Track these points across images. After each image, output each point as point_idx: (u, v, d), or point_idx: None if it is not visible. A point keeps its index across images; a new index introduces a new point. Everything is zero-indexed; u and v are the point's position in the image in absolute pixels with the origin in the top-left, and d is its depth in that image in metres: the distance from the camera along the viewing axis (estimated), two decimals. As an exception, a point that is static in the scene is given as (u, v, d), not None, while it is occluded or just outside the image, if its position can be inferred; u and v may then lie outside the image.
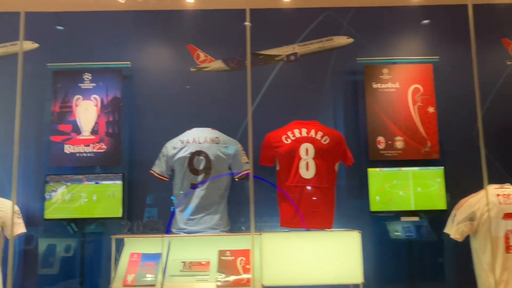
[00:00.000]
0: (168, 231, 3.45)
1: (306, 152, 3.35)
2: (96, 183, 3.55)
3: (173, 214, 3.55)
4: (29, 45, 3.80)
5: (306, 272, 3.16)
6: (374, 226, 3.65)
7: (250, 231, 3.54)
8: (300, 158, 3.34)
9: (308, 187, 3.32)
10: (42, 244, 3.70)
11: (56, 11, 3.94)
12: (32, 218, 3.65)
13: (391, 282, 3.63)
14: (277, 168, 3.46)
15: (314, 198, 3.31)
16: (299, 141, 3.38)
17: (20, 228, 3.38)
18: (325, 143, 3.38)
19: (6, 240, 3.37)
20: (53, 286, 3.66)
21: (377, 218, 3.65)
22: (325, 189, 3.35)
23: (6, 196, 3.47)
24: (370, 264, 3.30)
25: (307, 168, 3.33)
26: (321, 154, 3.35)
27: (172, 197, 3.54)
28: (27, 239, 3.72)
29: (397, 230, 3.68)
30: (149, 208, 3.71)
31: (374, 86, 3.74)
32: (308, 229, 3.34)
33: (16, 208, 3.38)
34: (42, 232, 3.70)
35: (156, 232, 3.37)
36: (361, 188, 3.62)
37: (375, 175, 3.57)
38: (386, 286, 3.61)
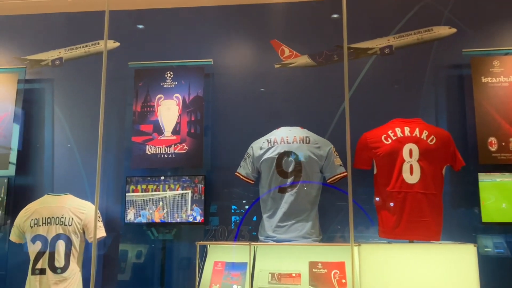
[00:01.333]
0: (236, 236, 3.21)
1: (410, 154, 2.97)
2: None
3: (241, 219, 3.31)
4: (111, 44, 3.72)
5: (411, 291, 2.78)
6: (487, 239, 3.18)
7: (343, 241, 3.22)
8: (403, 161, 2.97)
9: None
10: (122, 249, 3.56)
11: (136, 8, 3.85)
12: (112, 222, 3.53)
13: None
14: (375, 171, 3.10)
15: (419, 206, 2.92)
16: (401, 141, 3.01)
17: (100, 232, 3.26)
18: (431, 143, 2.99)
19: (87, 244, 3.26)
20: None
21: (491, 229, 3.18)
22: (431, 195, 2.94)
23: (87, 198, 3.38)
24: (486, 283, 2.85)
25: (411, 172, 2.95)
26: (427, 156, 2.96)
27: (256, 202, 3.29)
28: (107, 244, 3.60)
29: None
30: (233, 214, 3.47)
31: (484, 80, 3.30)
32: (412, 241, 2.95)
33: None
34: (122, 236, 3.56)
35: (242, 240, 3.12)
36: (470, 195, 3.18)
37: (487, 180, 3.13)
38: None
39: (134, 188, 3.41)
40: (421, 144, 2.98)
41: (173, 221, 3.35)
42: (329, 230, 3.31)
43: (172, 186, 3.37)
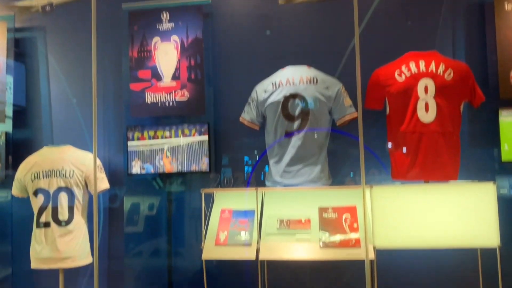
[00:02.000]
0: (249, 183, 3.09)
1: (425, 90, 2.76)
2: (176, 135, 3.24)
3: (253, 166, 3.19)
4: (102, -15, 3.47)
5: (426, 233, 2.65)
6: (507, 179, 3.02)
7: (355, 184, 3.08)
8: (417, 98, 2.76)
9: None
10: (128, 201, 3.49)
11: None
12: (116, 173, 3.44)
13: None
14: (387, 111, 2.91)
15: (435, 146, 2.74)
16: (416, 77, 2.79)
17: (103, 183, 3.17)
18: (448, 78, 2.77)
19: (91, 196, 3.18)
20: (140, 245, 3.45)
21: (511, 169, 3.02)
22: (448, 134, 2.76)
23: (88, 149, 3.27)
24: (505, 224, 2.70)
25: (426, 110, 2.75)
26: (444, 92, 2.75)
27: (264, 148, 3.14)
28: (111, 196, 3.52)
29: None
30: (237, 159, 3.34)
31: (507, 8, 3.01)
32: (427, 182, 2.80)
33: (99, 162, 3.16)
34: (126, 187, 3.48)
35: (245, 185, 3.01)
36: (490, 133, 2.98)
37: (508, 116, 2.93)
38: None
39: (140, 135, 3.27)
40: (438, 79, 2.76)
41: (178, 171, 3.23)
42: (340, 174, 3.17)
43: (186, 131, 3.22)
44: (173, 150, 3.23)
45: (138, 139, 3.28)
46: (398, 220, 2.71)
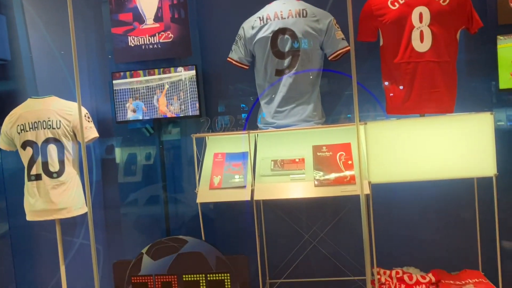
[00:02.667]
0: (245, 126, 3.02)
1: (420, 18, 2.62)
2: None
3: (252, 107, 3.10)
4: None
5: (422, 166, 2.61)
6: (505, 109, 2.95)
7: (348, 122, 3.02)
8: (412, 27, 2.63)
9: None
10: (119, 150, 3.44)
11: None
12: (103, 122, 3.36)
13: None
14: (381, 43, 2.79)
15: (431, 76, 2.65)
16: (410, 5, 2.64)
17: (92, 132, 3.09)
18: (444, 4, 2.62)
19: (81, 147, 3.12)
20: (135, 192, 3.44)
21: (509, 99, 2.94)
22: (445, 64, 2.65)
23: (74, 100, 3.17)
24: (501, 154, 2.66)
25: (421, 39, 2.63)
26: (439, 19, 2.61)
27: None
28: (102, 146, 3.47)
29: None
30: (227, 102, 3.25)
31: None
32: (423, 115, 2.74)
33: (85, 111, 3.08)
34: (117, 136, 3.41)
35: (240, 129, 2.94)
36: (487, 61, 2.87)
37: (506, 43, 2.81)
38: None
39: (132, 72, 3.14)
40: (433, 6, 2.61)
41: (168, 116, 3.15)
42: (333, 113, 3.10)
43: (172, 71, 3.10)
44: (167, 92, 3.13)
45: (132, 76, 3.15)
46: (394, 155, 2.66)
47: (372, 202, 2.65)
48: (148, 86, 3.13)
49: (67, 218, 3.08)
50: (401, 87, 2.70)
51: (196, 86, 3.07)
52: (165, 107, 3.12)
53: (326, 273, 3.12)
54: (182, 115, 3.11)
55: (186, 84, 3.08)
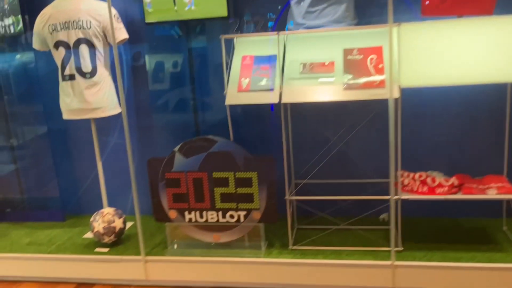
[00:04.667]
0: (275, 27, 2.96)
1: None
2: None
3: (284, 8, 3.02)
4: None
5: (456, 70, 2.54)
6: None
7: (381, 23, 2.91)
8: None
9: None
10: (148, 53, 3.46)
11: None
12: (132, 24, 3.35)
13: None
14: None
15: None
16: None
17: (122, 33, 3.11)
18: None
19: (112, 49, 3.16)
20: (164, 96, 3.52)
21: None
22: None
23: None
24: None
25: None
26: None
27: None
28: (132, 49, 3.49)
29: None
30: (256, 4, 3.17)
31: None
32: (460, 16, 2.62)
33: (115, 11, 3.06)
34: (145, 38, 3.42)
35: (269, 30, 2.90)
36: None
37: None
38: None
39: None
40: None
41: (196, 18, 3.11)
42: (366, 14, 2.99)
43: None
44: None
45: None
46: (427, 58, 2.60)
47: (401, 106, 2.65)
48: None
49: (102, 118, 3.21)
50: (439, -14, 2.57)
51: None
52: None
53: (350, 175, 3.22)
54: (210, 16, 3.06)
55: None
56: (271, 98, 2.76)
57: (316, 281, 2.78)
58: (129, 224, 3.43)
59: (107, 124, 3.55)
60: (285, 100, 2.74)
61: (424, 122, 3.12)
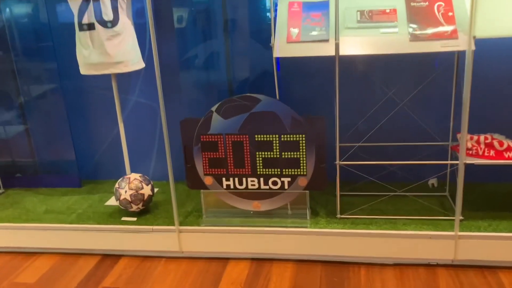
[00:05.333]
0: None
1: None
2: None
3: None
4: None
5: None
6: None
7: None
8: None
9: None
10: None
11: None
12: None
13: None
14: None
15: None
16: None
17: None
18: None
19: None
20: (195, 48, 3.15)
21: None
22: None
23: None
24: None
25: None
26: None
27: None
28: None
29: None
30: None
31: None
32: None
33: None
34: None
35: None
36: None
37: None
38: None
39: None
40: None
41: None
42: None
43: None
44: None
45: None
46: (505, 4, 2.28)
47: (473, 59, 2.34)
48: None
49: (121, 74, 2.86)
50: None
51: None
52: None
53: (407, 137, 2.93)
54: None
55: None
56: (327, 50, 2.42)
57: (369, 253, 2.55)
58: (154, 191, 3.15)
59: (127, 80, 3.19)
60: (343, 52, 2.40)
61: (493, 80, 2.81)
